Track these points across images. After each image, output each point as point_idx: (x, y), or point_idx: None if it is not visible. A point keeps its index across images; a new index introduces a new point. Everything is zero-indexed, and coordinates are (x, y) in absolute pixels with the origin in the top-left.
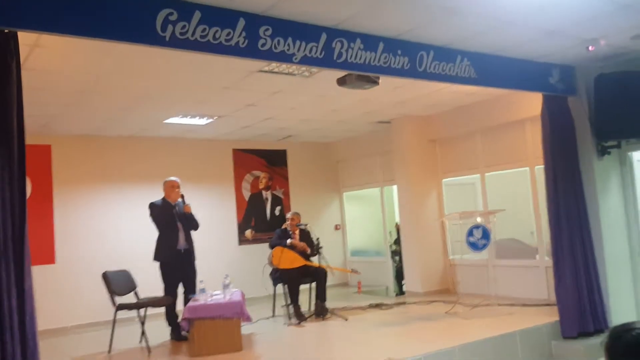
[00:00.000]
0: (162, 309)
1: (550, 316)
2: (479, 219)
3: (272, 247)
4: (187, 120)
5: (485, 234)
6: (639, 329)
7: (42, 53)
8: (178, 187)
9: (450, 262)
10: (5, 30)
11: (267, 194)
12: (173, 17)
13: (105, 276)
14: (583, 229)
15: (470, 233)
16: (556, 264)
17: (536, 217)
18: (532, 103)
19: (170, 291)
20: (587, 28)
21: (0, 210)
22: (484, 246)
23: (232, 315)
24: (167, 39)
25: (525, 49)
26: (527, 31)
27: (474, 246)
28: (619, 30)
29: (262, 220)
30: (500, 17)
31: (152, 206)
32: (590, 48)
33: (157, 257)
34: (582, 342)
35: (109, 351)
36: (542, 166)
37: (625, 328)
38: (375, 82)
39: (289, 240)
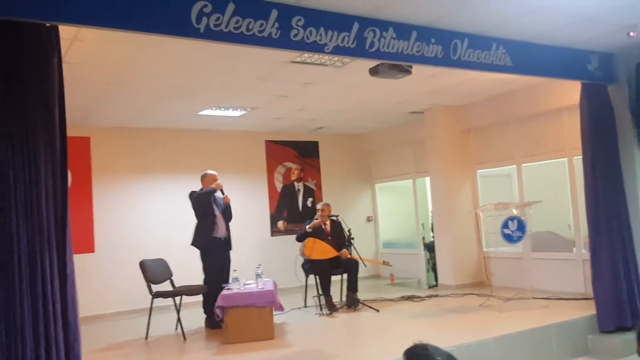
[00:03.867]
0: (197, 297)
1: (586, 310)
2: (514, 211)
3: (298, 239)
4: (220, 112)
5: (521, 226)
6: None
7: (80, 46)
8: (218, 179)
9: (485, 255)
10: (47, 24)
11: (299, 186)
12: (207, 9)
13: (143, 265)
14: (622, 222)
15: (505, 225)
16: (593, 257)
17: (574, 209)
18: (570, 91)
19: (212, 278)
20: (627, 14)
21: (44, 199)
22: (519, 238)
23: (265, 304)
24: (202, 30)
25: (562, 35)
26: (564, 17)
27: (509, 238)
28: None
29: (294, 212)
30: (533, 2)
31: (193, 193)
32: (631, 34)
33: (197, 244)
34: (619, 336)
35: (146, 337)
36: (581, 157)
37: None
38: (408, 71)
39: (308, 227)
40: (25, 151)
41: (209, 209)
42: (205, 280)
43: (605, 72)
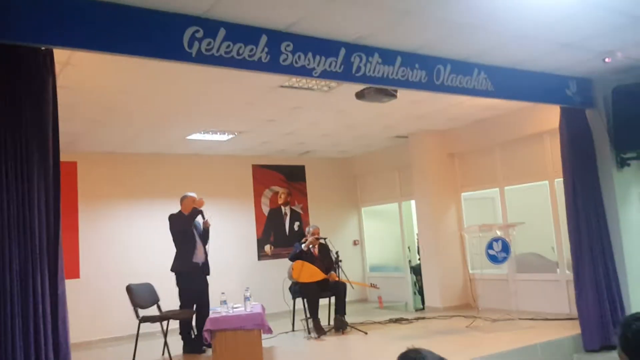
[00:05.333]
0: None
1: (572, 329)
2: (498, 232)
3: (291, 259)
4: (209, 137)
5: (505, 247)
6: None
7: (72, 71)
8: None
9: (470, 277)
10: (42, 48)
11: (286, 209)
12: (199, 35)
13: (129, 289)
14: (604, 242)
15: (490, 246)
16: (577, 277)
17: (556, 230)
18: (550, 116)
19: (188, 304)
20: (602, 41)
21: (37, 220)
22: (504, 259)
23: (253, 326)
24: (194, 55)
25: (542, 61)
26: (542, 44)
27: (494, 259)
28: (635, 43)
29: (281, 236)
30: (515, 31)
31: (172, 217)
32: (607, 60)
33: (176, 269)
34: (604, 355)
35: None
36: (562, 179)
37: (635, 317)
38: (393, 95)
39: (303, 245)
40: (19, 171)
41: (189, 234)
42: (181, 306)
43: (583, 97)
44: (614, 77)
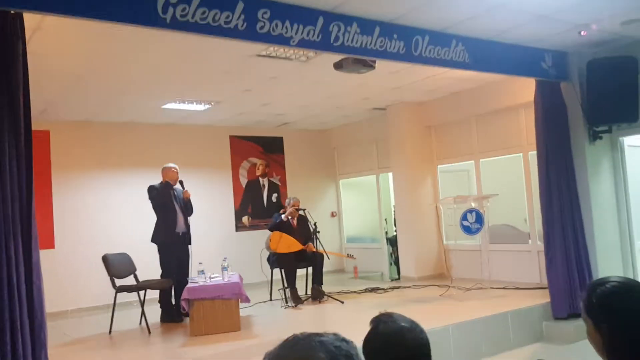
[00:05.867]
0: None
1: (541, 298)
2: (473, 204)
3: (270, 229)
4: (185, 106)
5: (479, 218)
6: (612, 282)
7: (43, 37)
8: (176, 172)
9: (445, 248)
10: (12, 12)
11: (264, 181)
12: (174, 0)
13: (106, 259)
14: (574, 213)
15: (464, 217)
16: (547, 246)
17: (529, 202)
18: (526, 89)
19: (168, 274)
20: (578, 13)
21: (9, 188)
22: (477, 230)
23: (231, 296)
24: (168, 21)
25: (518, 33)
26: (519, 15)
27: (468, 230)
28: (609, 16)
29: (259, 207)
30: (491, 1)
31: (151, 188)
32: (582, 33)
33: (155, 239)
34: (572, 322)
35: (110, 332)
36: (535, 152)
37: (600, 282)
38: (371, 66)
39: (283, 216)
40: None
41: (169, 204)
42: (162, 275)
43: (558, 70)
44: (588, 51)
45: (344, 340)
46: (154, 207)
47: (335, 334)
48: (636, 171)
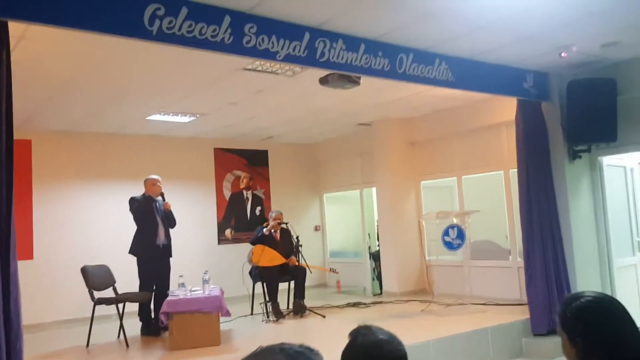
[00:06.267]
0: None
1: (521, 314)
2: (454, 220)
3: (252, 242)
4: (169, 118)
5: (460, 234)
6: (587, 296)
7: (27, 45)
8: (159, 183)
9: (427, 263)
10: None
11: (247, 194)
12: (160, 12)
13: (85, 270)
14: (554, 230)
15: (446, 233)
16: (527, 263)
17: (509, 219)
18: (508, 108)
19: (147, 286)
20: (559, 35)
21: None
22: (459, 246)
23: (211, 309)
24: (154, 33)
25: (500, 54)
26: (501, 36)
27: (449, 245)
28: (589, 38)
29: (242, 220)
30: (474, 22)
31: (133, 200)
32: (563, 54)
33: (134, 251)
34: (551, 339)
35: (87, 345)
36: (516, 170)
37: (575, 296)
38: (356, 82)
39: (265, 229)
40: None
41: (149, 216)
42: (140, 288)
43: (539, 90)
44: (569, 72)
45: (308, 348)
46: (135, 219)
47: (301, 345)
48: (615, 190)
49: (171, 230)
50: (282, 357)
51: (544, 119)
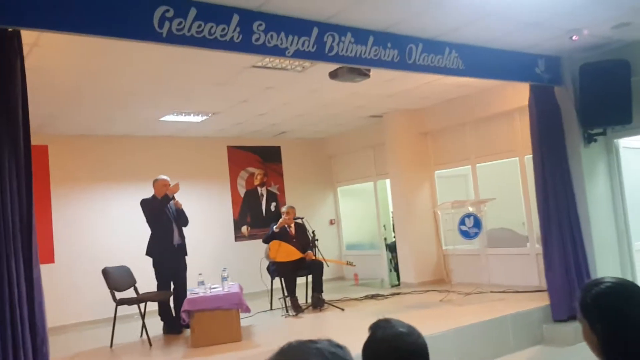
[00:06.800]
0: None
1: (541, 301)
2: (470, 208)
3: (265, 241)
4: (182, 118)
5: (477, 223)
6: (607, 282)
7: (40, 52)
8: (169, 184)
9: (444, 253)
10: (9, 29)
11: (262, 190)
12: (169, 14)
13: (106, 272)
14: (571, 216)
15: (462, 222)
16: (545, 249)
17: (526, 205)
18: (520, 94)
19: (165, 286)
20: (568, 19)
21: (9, 204)
22: (476, 234)
23: (231, 306)
24: (164, 35)
25: (510, 40)
26: (510, 22)
27: (466, 234)
28: (600, 21)
29: (257, 216)
30: (483, 9)
31: (145, 202)
32: (574, 38)
33: (150, 253)
34: (572, 324)
35: (111, 345)
36: (531, 156)
37: (595, 282)
38: (366, 74)
39: (275, 227)
40: None
41: (163, 216)
42: (158, 287)
43: (551, 74)
44: (581, 55)
45: (338, 346)
46: (148, 221)
47: (329, 340)
48: (632, 172)
49: (185, 229)
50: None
51: (558, 104)
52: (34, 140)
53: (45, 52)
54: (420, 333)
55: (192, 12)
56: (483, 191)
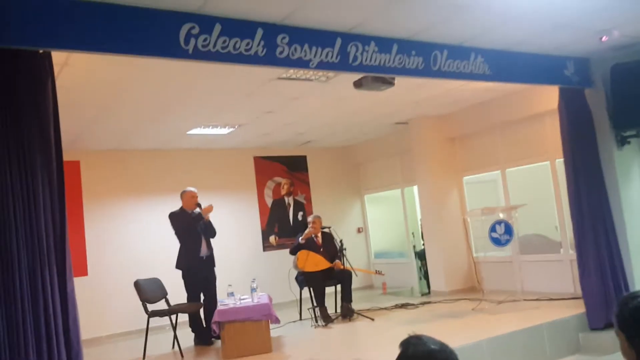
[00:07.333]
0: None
1: (576, 309)
2: (501, 215)
3: (291, 252)
4: (209, 131)
5: (508, 229)
6: None
7: (70, 71)
8: (196, 196)
9: (475, 260)
10: (40, 51)
11: (289, 200)
12: (195, 31)
13: (137, 284)
14: (606, 220)
15: (493, 229)
16: (580, 256)
17: (559, 210)
18: (549, 96)
19: (194, 298)
20: (597, 19)
21: (43, 219)
22: (507, 242)
23: (261, 317)
24: (190, 51)
25: (537, 42)
26: (537, 25)
27: (497, 242)
28: (630, 20)
29: (285, 226)
30: (508, 12)
31: (173, 216)
32: (603, 38)
33: (179, 265)
34: (609, 333)
35: (144, 357)
36: (562, 159)
37: (633, 295)
38: (391, 83)
39: (300, 239)
40: (23, 174)
41: (191, 229)
42: (188, 299)
43: (581, 76)
44: (611, 56)
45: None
46: (177, 234)
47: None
48: None
49: (213, 240)
50: None
51: (588, 106)
52: (66, 156)
53: (75, 71)
54: (452, 350)
55: (217, 27)
56: (513, 196)
